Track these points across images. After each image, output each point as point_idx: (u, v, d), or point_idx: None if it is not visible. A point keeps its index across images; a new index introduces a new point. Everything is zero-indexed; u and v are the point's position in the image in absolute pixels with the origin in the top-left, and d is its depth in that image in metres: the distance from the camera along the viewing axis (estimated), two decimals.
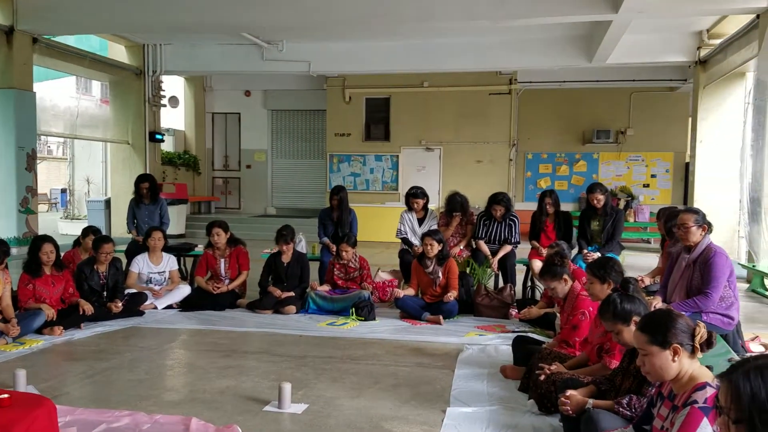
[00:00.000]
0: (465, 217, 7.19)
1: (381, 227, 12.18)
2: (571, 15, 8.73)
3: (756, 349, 5.09)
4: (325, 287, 6.72)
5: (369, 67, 12.69)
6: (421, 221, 7.27)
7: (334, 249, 7.03)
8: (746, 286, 8.25)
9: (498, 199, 7.01)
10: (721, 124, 10.61)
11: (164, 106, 14.21)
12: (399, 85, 14.66)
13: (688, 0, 8.08)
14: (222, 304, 6.60)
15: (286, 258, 6.76)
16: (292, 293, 6.55)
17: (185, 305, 6.65)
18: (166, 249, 7.13)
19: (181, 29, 10.84)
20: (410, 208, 7.31)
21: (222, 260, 6.90)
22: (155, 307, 6.54)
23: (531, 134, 14.98)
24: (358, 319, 6.15)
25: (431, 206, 7.60)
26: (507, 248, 6.95)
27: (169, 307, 6.63)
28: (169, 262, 6.99)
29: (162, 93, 13.84)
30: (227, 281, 6.83)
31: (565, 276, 4.47)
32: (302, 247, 7.53)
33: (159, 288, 6.74)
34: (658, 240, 12.26)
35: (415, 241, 7.08)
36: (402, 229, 7.27)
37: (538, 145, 15.13)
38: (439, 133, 14.85)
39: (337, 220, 7.59)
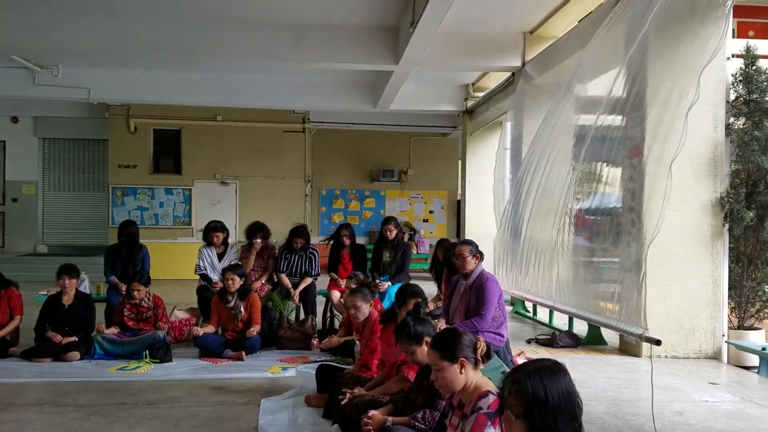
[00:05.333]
0: (266, 241, 7.25)
1: (173, 264, 11.67)
2: (360, 63, 9.41)
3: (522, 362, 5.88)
4: (114, 329, 6.30)
5: (158, 97, 12.19)
6: (221, 256, 7.18)
7: (124, 288, 6.63)
8: (510, 308, 9.44)
9: (299, 231, 7.26)
10: (485, 166, 12.01)
11: None
12: (191, 118, 14.28)
13: (456, 57, 9.21)
14: None
15: (67, 299, 6.20)
16: (74, 338, 6.02)
17: None
18: None
19: None
20: (209, 242, 7.18)
21: None
22: None
23: (324, 171, 15.61)
24: (153, 362, 5.85)
25: (229, 241, 7.54)
26: (308, 280, 7.18)
27: None
28: None
29: None
30: None
31: (371, 301, 4.85)
32: (85, 287, 6.97)
33: None
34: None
35: (215, 276, 6.96)
36: (201, 264, 7.11)
37: (332, 181, 15.80)
38: (235, 167, 14.73)
39: (126, 257, 7.16)
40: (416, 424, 3.32)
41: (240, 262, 6.94)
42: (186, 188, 14.67)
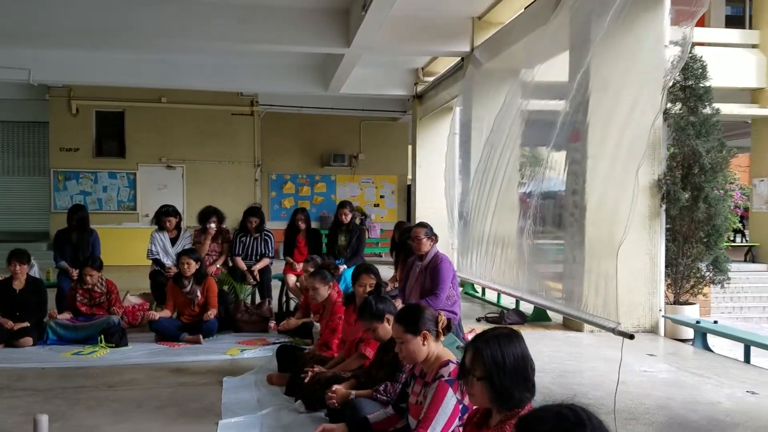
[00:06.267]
0: (221, 224, 7.25)
1: (119, 250, 11.41)
2: (310, 46, 9.35)
3: None
4: (66, 315, 6.21)
5: (101, 78, 11.82)
6: (173, 241, 7.11)
7: (75, 273, 6.53)
8: (460, 289, 9.70)
9: (253, 211, 7.30)
10: (435, 151, 12.20)
11: None
12: (134, 99, 13.91)
13: (406, 41, 9.29)
14: None
15: (18, 285, 6.06)
16: (26, 323, 5.91)
17: None
18: None
19: None
20: (162, 227, 7.11)
21: None
22: None
23: (274, 156, 15.41)
24: (109, 346, 5.80)
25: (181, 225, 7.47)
26: (265, 261, 7.21)
27: None
28: None
29: None
30: None
31: (331, 283, 4.97)
32: (35, 272, 6.80)
33: None
34: (389, 254, 13.60)
35: (168, 261, 6.91)
36: (153, 249, 7.02)
37: (282, 166, 15.62)
38: (182, 151, 14.41)
39: (76, 242, 7.03)
40: (378, 396, 3.48)
41: (194, 247, 6.90)
42: (130, 172, 14.32)
